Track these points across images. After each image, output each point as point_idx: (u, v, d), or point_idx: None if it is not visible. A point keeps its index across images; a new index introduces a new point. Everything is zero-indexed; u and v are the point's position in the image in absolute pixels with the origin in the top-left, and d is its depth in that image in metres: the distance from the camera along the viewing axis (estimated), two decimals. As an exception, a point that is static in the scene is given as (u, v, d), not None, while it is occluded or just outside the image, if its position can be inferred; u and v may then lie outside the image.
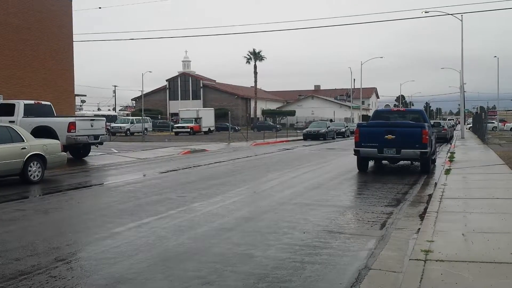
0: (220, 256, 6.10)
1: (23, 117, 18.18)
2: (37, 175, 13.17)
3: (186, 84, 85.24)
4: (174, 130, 52.21)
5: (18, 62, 25.31)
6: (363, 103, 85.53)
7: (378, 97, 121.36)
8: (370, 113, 79.01)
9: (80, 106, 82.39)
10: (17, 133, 13.10)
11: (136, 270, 5.52)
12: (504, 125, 58.45)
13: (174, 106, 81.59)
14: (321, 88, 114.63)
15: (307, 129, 43.10)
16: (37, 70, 26.30)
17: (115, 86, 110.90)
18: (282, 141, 37.85)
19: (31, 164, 12.99)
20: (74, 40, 29.50)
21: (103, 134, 20.08)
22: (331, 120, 59.09)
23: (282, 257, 6.01)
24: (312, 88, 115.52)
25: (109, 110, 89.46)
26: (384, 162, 17.42)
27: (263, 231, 7.44)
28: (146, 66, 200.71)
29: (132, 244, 6.64)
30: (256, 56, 79.79)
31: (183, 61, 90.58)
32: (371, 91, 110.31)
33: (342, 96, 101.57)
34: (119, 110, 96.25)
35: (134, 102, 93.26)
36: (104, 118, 21.41)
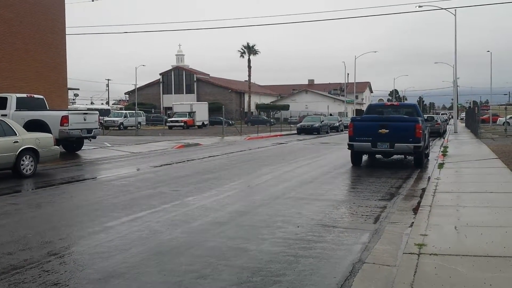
0: (214, 250, 6.09)
1: (15, 110, 18.03)
2: (30, 169, 13.10)
3: (179, 78, 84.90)
4: (167, 124, 52.07)
5: (10, 55, 25.06)
6: (356, 97, 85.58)
7: (371, 92, 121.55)
8: (364, 108, 79.13)
9: (73, 99, 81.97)
10: (9, 126, 13.01)
11: (130, 264, 5.50)
12: (497, 120, 58.49)
13: (167, 100, 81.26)
14: (315, 82, 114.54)
15: (301, 124, 43.11)
16: (29, 64, 26.05)
17: (108, 79, 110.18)
18: (276, 136, 37.85)
19: (24, 158, 12.91)
20: (67, 33, 29.26)
21: (96, 128, 19.97)
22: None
23: (276, 251, 6.01)
24: (306, 82, 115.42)
25: (102, 104, 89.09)
26: (378, 156, 17.47)
27: (257, 225, 7.43)
28: (140, 60, 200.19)
29: (126, 238, 6.61)
30: (250, 50, 79.59)
31: (176, 55, 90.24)
32: (364, 86, 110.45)
33: (336, 91, 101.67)
34: (113, 104, 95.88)
35: (127, 96, 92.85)
36: (97, 112, 21.27)
